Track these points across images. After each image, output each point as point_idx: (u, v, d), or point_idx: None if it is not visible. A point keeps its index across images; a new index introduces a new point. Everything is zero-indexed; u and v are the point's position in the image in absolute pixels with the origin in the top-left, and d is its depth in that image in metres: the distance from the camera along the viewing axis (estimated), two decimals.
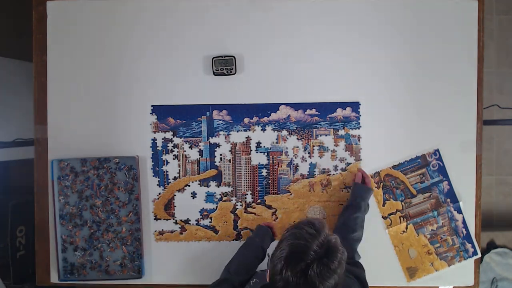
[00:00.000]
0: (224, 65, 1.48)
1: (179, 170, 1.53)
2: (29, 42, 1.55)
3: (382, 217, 1.51)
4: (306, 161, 1.52)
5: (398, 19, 1.49)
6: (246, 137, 1.52)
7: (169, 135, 1.53)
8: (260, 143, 1.52)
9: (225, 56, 1.49)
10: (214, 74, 1.50)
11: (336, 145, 1.51)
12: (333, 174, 1.52)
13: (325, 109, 1.51)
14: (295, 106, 1.51)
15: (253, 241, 1.40)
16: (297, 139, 1.52)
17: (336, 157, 1.51)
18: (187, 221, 1.54)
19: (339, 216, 1.43)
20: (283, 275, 0.93)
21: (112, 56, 1.53)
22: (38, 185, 1.55)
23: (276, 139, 1.52)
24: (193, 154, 1.53)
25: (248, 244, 1.40)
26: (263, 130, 1.52)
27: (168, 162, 1.53)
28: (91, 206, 1.52)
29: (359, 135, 1.51)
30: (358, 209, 1.39)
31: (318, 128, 1.51)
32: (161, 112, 1.53)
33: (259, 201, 1.53)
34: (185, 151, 1.53)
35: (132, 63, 1.52)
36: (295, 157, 1.52)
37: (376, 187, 1.51)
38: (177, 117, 1.53)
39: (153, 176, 1.53)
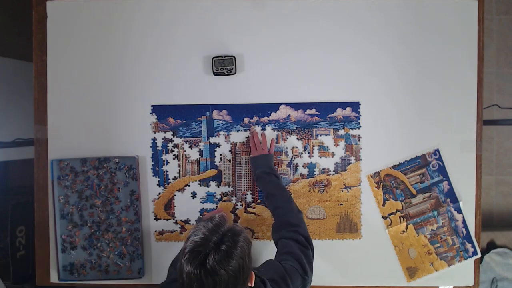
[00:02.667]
0: (224, 65, 1.48)
1: (179, 170, 1.53)
2: (29, 42, 1.55)
3: (382, 217, 1.51)
4: (306, 161, 1.52)
5: (398, 19, 1.49)
6: (246, 137, 1.52)
7: (169, 135, 1.53)
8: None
9: (225, 56, 1.49)
10: (214, 74, 1.50)
11: (336, 145, 1.51)
12: (333, 174, 1.52)
13: (325, 109, 1.51)
14: (295, 106, 1.51)
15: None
16: (297, 139, 1.52)
17: (336, 157, 1.51)
18: (187, 221, 1.54)
19: (262, 189, 1.43)
20: (185, 271, 0.94)
21: (112, 56, 1.53)
22: (38, 185, 1.55)
23: (276, 139, 1.52)
24: (193, 154, 1.53)
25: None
26: (263, 130, 1.52)
27: (168, 162, 1.53)
28: (91, 206, 1.52)
29: (359, 135, 1.51)
30: (265, 175, 1.38)
31: (318, 128, 1.51)
32: (161, 112, 1.53)
33: (259, 201, 1.53)
34: (185, 151, 1.53)
35: (132, 63, 1.52)
36: (295, 157, 1.52)
37: (376, 187, 1.51)
38: (177, 117, 1.53)
39: (153, 176, 1.53)
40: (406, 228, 1.51)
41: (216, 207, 1.53)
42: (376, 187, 1.51)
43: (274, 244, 1.30)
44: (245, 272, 0.98)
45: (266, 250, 1.51)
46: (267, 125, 1.52)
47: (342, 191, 1.51)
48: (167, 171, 1.53)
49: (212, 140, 1.53)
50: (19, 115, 2.09)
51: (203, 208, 1.53)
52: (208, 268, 0.93)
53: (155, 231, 1.54)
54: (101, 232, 1.52)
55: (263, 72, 1.51)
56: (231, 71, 1.49)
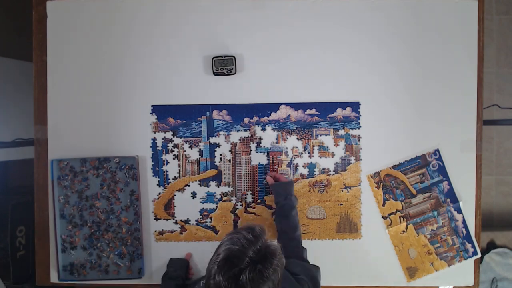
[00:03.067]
0: (224, 65, 1.48)
1: (179, 170, 1.53)
2: (29, 42, 1.55)
3: (382, 217, 1.51)
4: (306, 161, 1.52)
5: (398, 19, 1.49)
6: (246, 137, 1.52)
7: (169, 135, 1.53)
8: (260, 143, 1.52)
9: (225, 56, 1.49)
10: (214, 74, 1.50)
11: (336, 145, 1.51)
12: (333, 174, 1.52)
13: (325, 109, 1.51)
14: (295, 106, 1.51)
15: (167, 273, 1.44)
16: (297, 139, 1.52)
17: (336, 157, 1.51)
18: (187, 221, 1.54)
19: (276, 219, 1.40)
20: (216, 279, 0.93)
21: (112, 56, 1.53)
22: (38, 185, 1.55)
23: (276, 139, 1.52)
24: (193, 154, 1.53)
25: (166, 276, 1.44)
26: (263, 130, 1.52)
27: (168, 162, 1.53)
28: (91, 206, 1.52)
29: (359, 135, 1.51)
30: (292, 206, 1.37)
31: (318, 128, 1.51)
32: (161, 112, 1.53)
33: (259, 201, 1.53)
34: (185, 151, 1.53)
35: (132, 63, 1.52)
36: (295, 157, 1.52)
37: (376, 187, 1.51)
38: (177, 117, 1.53)
39: (153, 176, 1.53)
40: (406, 228, 1.51)
41: (216, 207, 1.53)
42: (376, 187, 1.51)
43: None
44: None
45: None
46: (267, 125, 1.52)
47: (342, 191, 1.51)
48: (167, 171, 1.53)
49: (212, 140, 1.53)
50: (19, 115, 2.08)
51: (203, 208, 1.53)
52: (240, 284, 0.91)
53: (155, 231, 1.54)
54: (101, 232, 1.52)
55: (263, 72, 1.51)
56: (231, 71, 1.49)
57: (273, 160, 1.52)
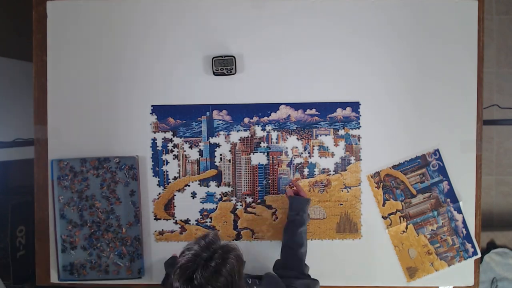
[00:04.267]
0: (224, 65, 1.48)
1: (179, 170, 1.53)
2: (29, 42, 1.55)
3: (382, 217, 1.51)
4: (306, 161, 1.52)
5: (398, 19, 1.49)
6: (246, 137, 1.52)
7: (169, 135, 1.53)
8: (260, 143, 1.52)
9: (225, 56, 1.49)
10: (214, 74, 1.50)
11: (336, 145, 1.51)
12: (333, 174, 1.52)
13: (325, 109, 1.51)
14: (295, 106, 1.51)
15: (167, 274, 1.44)
16: (297, 139, 1.52)
17: (336, 157, 1.51)
18: (187, 221, 1.54)
19: (284, 232, 1.40)
20: (174, 287, 0.97)
21: (112, 56, 1.53)
22: (38, 185, 1.55)
23: (276, 139, 1.52)
24: (193, 154, 1.53)
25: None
26: (263, 130, 1.52)
27: (168, 162, 1.53)
28: (91, 206, 1.52)
29: (359, 135, 1.51)
30: (302, 223, 1.38)
31: (318, 128, 1.51)
32: (161, 112, 1.53)
33: (259, 201, 1.53)
34: (185, 151, 1.53)
35: (132, 63, 1.52)
36: (295, 157, 1.52)
37: (376, 187, 1.51)
38: (177, 117, 1.53)
39: (153, 176, 1.53)
40: (406, 228, 1.51)
41: (216, 207, 1.53)
42: (376, 187, 1.51)
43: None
44: (236, 286, 0.99)
45: (266, 251, 1.51)
46: (267, 125, 1.52)
47: (342, 191, 1.51)
48: (167, 171, 1.53)
49: (212, 140, 1.53)
50: (19, 115, 2.08)
51: (203, 208, 1.53)
52: (196, 284, 0.94)
53: (155, 231, 1.54)
54: (101, 232, 1.52)
55: (263, 72, 1.51)
56: (231, 71, 1.49)
57: (273, 160, 1.52)
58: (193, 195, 1.53)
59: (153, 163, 1.53)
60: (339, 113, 1.51)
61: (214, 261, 0.98)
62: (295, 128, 1.52)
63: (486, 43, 1.53)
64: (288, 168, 1.52)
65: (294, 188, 1.46)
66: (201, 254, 0.99)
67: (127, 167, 1.51)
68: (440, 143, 1.50)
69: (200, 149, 1.53)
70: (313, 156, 1.52)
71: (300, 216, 1.37)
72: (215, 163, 1.53)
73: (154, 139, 1.53)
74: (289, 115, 1.51)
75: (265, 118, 1.52)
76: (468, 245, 1.51)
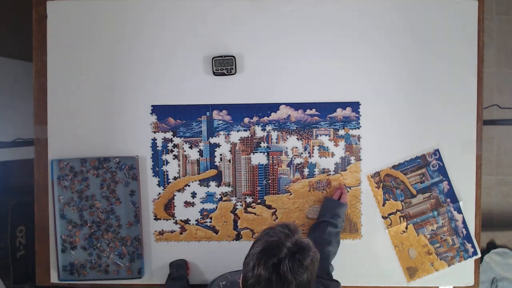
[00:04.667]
0: (224, 65, 1.48)
1: (179, 170, 1.53)
2: (29, 42, 1.55)
3: (382, 217, 1.51)
4: (306, 161, 1.52)
5: (398, 19, 1.49)
6: (246, 137, 1.52)
7: (169, 135, 1.53)
8: (260, 143, 1.52)
9: (225, 56, 1.49)
10: (214, 74, 1.50)
11: (336, 145, 1.51)
12: (333, 174, 1.52)
13: (325, 109, 1.51)
14: (295, 106, 1.51)
15: (170, 274, 1.47)
16: (297, 139, 1.52)
17: (336, 157, 1.51)
18: (187, 221, 1.54)
19: (312, 230, 1.41)
20: (255, 271, 0.93)
21: (112, 56, 1.53)
22: (38, 185, 1.55)
23: (276, 139, 1.52)
24: (193, 154, 1.53)
25: (170, 277, 1.47)
26: (263, 130, 1.52)
27: (168, 162, 1.53)
28: (91, 206, 1.52)
29: (359, 135, 1.51)
30: (334, 225, 1.38)
31: (318, 128, 1.51)
32: (161, 112, 1.53)
33: (259, 201, 1.53)
34: (185, 151, 1.53)
35: (132, 63, 1.52)
36: (295, 157, 1.52)
37: (376, 187, 1.51)
38: (177, 117, 1.53)
39: (153, 176, 1.53)
40: (406, 228, 1.51)
41: (216, 207, 1.53)
42: (376, 187, 1.51)
43: None
44: (310, 286, 0.97)
45: None
46: (267, 125, 1.52)
47: None
48: (167, 171, 1.53)
49: (212, 140, 1.53)
50: (19, 115, 2.08)
51: (203, 208, 1.53)
52: (281, 274, 0.92)
53: (155, 231, 1.54)
54: (101, 232, 1.52)
55: (263, 72, 1.51)
56: (231, 71, 1.49)
57: (273, 160, 1.52)
58: (193, 195, 1.53)
59: (153, 163, 1.53)
60: (339, 113, 1.51)
61: (301, 255, 0.95)
62: (295, 128, 1.52)
63: (486, 43, 1.53)
64: (288, 168, 1.52)
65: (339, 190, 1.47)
66: (286, 242, 0.95)
67: (127, 167, 1.51)
68: (440, 143, 1.50)
69: (200, 149, 1.53)
70: (313, 156, 1.52)
71: (335, 220, 1.39)
72: (215, 163, 1.53)
73: (154, 139, 1.53)
74: (289, 115, 1.51)
75: (265, 118, 1.52)
76: (468, 245, 1.51)
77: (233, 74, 1.49)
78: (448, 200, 1.50)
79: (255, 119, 1.52)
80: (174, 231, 1.54)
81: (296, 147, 1.52)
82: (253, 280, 0.93)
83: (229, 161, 1.53)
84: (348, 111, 1.51)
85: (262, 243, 0.96)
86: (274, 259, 0.93)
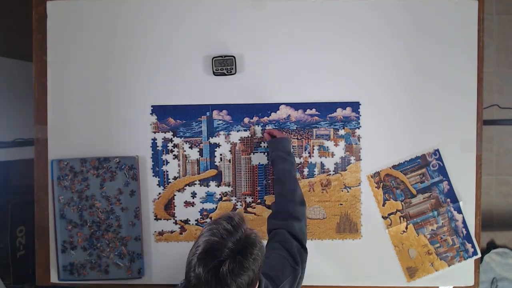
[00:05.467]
0: (224, 65, 1.48)
1: (179, 170, 1.53)
2: (29, 42, 1.55)
3: (382, 217, 1.51)
4: (306, 161, 1.52)
5: (398, 19, 1.49)
6: (246, 137, 1.52)
7: (169, 135, 1.53)
8: (260, 143, 1.52)
9: (225, 56, 1.49)
10: (214, 74, 1.50)
11: (336, 145, 1.51)
12: (333, 174, 1.52)
13: (325, 109, 1.51)
14: (295, 106, 1.51)
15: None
16: (297, 139, 1.52)
17: (336, 157, 1.51)
18: (187, 221, 1.54)
19: (274, 167, 1.40)
20: (196, 271, 0.92)
21: (112, 56, 1.52)
22: (38, 185, 1.55)
23: None
24: (193, 154, 1.53)
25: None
26: (263, 130, 1.52)
27: (168, 162, 1.53)
28: (91, 206, 1.52)
29: (359, 135, 1.51)
30: (280, 160, 1.36)
31: (318, 128, 1.51)
32: (161, 112, 1.53)
33: (259, 201, 1.53)
34: (185, 151, 1.53)
35: (132, 63, 1.52)
36: (295, 157, 1.52)
37: (376, 187, 1.51)
38: (177, 117, 1.53)
39: (153, 176, 1.53)
40: (406, 228, 1.51)
41: (216, 207, 1.53)
42: (376, 187, 1.51)
43: (267, 232, 1.30)
44: (252, 285, 0.97)
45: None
46: (267, 125, 1.52)
47: (342, 191, 1.51)
48: (167, 171, 1.53)
49: (212, 140, 1.53)
50: (19, 115, 2.08)
51: (203, 208, 1.53)
52: (220, 277, 0.91)
53: (155, 231, 1.54)
54: (101, 232, 1.52)
55: (263, 72, 1.51)
56: (231, 71, 1.49)
57: None
58: (193, 195, 1.53)
59: (153, 163, 1.53)
60: (339, 113, 1.51)
61: (243, 256, 0.93)
62: (295, 128, 1.52)
63: (486, 43, 1.53)
64: None
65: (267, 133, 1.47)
66: (228, 241, 0.93)
67: (127, 167, 1.51)
68: (440, 143, 1.50)
69: (200, 149, 1.53)
70: (313, 156, 1.52)
71: (275, 155, 1.38)
72: (215, 163, 1.53)
73: (154, 139, 1.53)
74: (289, 115, 1.51)
75: (265, 118, 1.52)
76: (468, 245, 1.51)
77: (233, 74, 1.49)
78: (448, 200, 1.50)
79: (255, 119, 1.52)
80: (174, 231, 1.54)
81: (296, 147, 1.52)
82: (194, 280, 0.93)
83: (229, 161, 1.53)
84: (348, 111, 1.51)
85: (204, 242, 0.95)
86: (214, 261, 0.92)
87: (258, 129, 1.52)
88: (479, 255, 1.52)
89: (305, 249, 1.26)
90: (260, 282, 1.05)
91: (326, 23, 1.50)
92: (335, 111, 1.51)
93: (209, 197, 1.53)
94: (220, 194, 1.53)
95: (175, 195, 1.54)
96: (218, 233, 0.95)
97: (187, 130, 1.53)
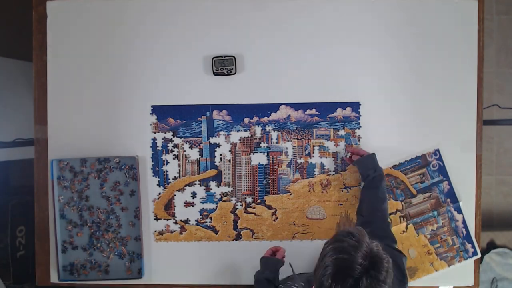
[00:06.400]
0: (224, 65, 1.48)
1: (179, 170, 1.53)
2: (29, 42, 1.55)
3: None
4: (306, 161, 1.52)
5: (398, 19, 1.49)
6: (246, 137, 1.52)
7: (169, 135, 1.53)
8: (260, 143, 1.52)
9: (225, 56, 1.49)
10: (214, 74, 1.50)
11: (336, 145, 1.51)
12: (333, 174, 1.52)
13: (325, 109, 1.51)
14: (295, 106, 1.51)
15: (262, 276, 1.34)
16: (297, 139, 1.52)
17: (336, 157, 1.51)
18: (187, 221, 1.54)
19: (365, 190, 1.39)
20: None
21: (112, 56, 1.53)
22: (38, 185, 1.55)
23: (276, 139, 1.52)
24: (193, 154, 1.53)
25: (259, 280, 1.34)
26: (263, 130, 1.52)
27: (168, 162, 1.53)
28: (91, 206, 1.51)
29: (359, 135, 1.51)
30: (383, 176, 1.38)
31: (318, 128, 1.51)
32: (161, 112, 1.53)
33: (259, 201, 1.53)
34: (185, 151, 1.53)
35: (132, 63, 1.52)
36: (295, 157, 1.52)
37: None
38: (177, 117, 1.53)
39: (153, 176, 1.53)
40: (406, 228, 1.51)
41: (216, 207, 1.53)
42: None
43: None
44: None
45: (266, 251, 1.50)
46: (267, 125, 1.52)
47: (342, 191, 1.51)
48: (167, 171, 1.53)
49: (212, 140, 1.53)
50: (19, 115, 2.08)
51: (203, 208, 1.53)
52: None
53: (155, 231, 1.54)
54: (101, 232, 1.52)
55: (263, 72, 1.51)
56: (231, 71, 1.49)
57: (273, 160, 1.52)
58: (193, 195, 1.53)
59: (153, 163, 1.53)
60: (339, 113, 1.51)
61: (376, 270, 0.91)
62: (295, 128, 1.52)
63: (486, 43, 1.53)
64: (288, 168, 1.52)
65: (350, 155, 1.46)
66: (357, 258, 0.91)
67: (127, 167, 1.51)
68: (440, 143, 1.50)
69: (200, 149, 1.53)
70: (313, 156, 1.52)
71: (379, 170, 1.38)
72: (215, 163, 1.53)
73: (154, 139, 1.53)
74: (289, 115, 1.51)
75: (265, 118, 1.52)
76: (468, 245, 1.51)
77: (233, 74, 1.49)
78: (448, 200, 1.50)
79: (255, 119, 1.52)
80: (174, 231, 1.54)
81: (296, 147, 1.52)
82: None
83: (229, 161, 1.53)
84: (348, 111, 1.51)
85: (332, 261, 0.93)
86: (349, 280, 0.90)
87: (258, 129, 1.52)
88: (479, 255, 1.52)
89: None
90: None
91: (326, 23, 1.50)
92: (335, 111, 1.51)
93: (209, 197, 1.53)
94: (220, 194, 1.53)
95: (175, 195, 1.54)
96: (344, 250, 0.94)
97: (187, 130, 1.53)
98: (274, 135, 1.52)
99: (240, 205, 1.53)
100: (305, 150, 1.52)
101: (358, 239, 0.95)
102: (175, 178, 1.53)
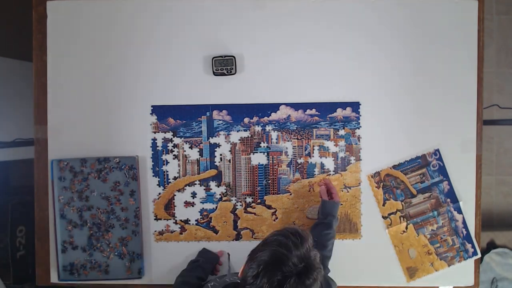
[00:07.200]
0: (224, 65, 1.48)
1: (179, 170, 1.53)
2: (29, 42, 1.55)
3: (382, 217, 1.51)
4: (306, 161, 1.52)
5: (398, 19, 1.49)
6: (246, 137, 1.52)
7: (169, 135, 1.53)
8: (260, 143, 1.52)
9: (225, 56, 1.49)
10: (214, 74, 1.50)
11: (336, 145, 1.51)
12: (333, 174, 1.52)
13: (325, 109, 1.51)
14: (295, 106, 1.51)
15: (196, 263, 1.42)
16: (297, 139, 1.52)
17: (336, 157, 1.52)
18: (187, 221, 1.54)
19: (315, 228, 1.41)
20: (258, 281, 0.92)
21: (112, 56, 1.53)
22: (38, 185, 1.55)
23: (276, 139, 1.52)
24: (193, 154, 1.53)
25: (192, 266, 1.42)
26: (263, 130, 1.52)
27: (168, 162, 1.53)
28: (91, 206, 1.51)
29: (359, 135, 1.51)
30: (329, 226, 1.38)
31: (318, 128, 1.51)
32: (161, 112, 1.53)
33: (258, 201, 1.53)
34: (185, 151, 1.53)
35: (132, 63, 1.52)
36: (295, 157, 1.52)
37: (376, 187, 1.51)
38: (177, 117, 1.53)
39: (153, 176, 1.53)
40: (406, 228, 1.51)
41: (216, 207, 1.53)
42: (376, 187, 1.51)
43: None
44: None
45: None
46: (267, 125, 1.52)
47: (342, 191, 1.51)
48: (167, 171, 1.53)
49: (212, 140, 1.53)
50: (19, 115, 2.08)
51: (203, 208, 1.53)
52: None
53: (155, 231, 1.54)
54: (101, 233, 1.52)
55: (263, 72, 1.51)
56: (231, 71, 1.49)
57: (273, 160, 1.52)
58: (193, 195, 1.53)
59: (153, 163, 1.53)
60: (339, 113, 1.51)
61: (306, 276, 0.93)
62: (295, 128, 1.52)
63: (486, 43, 1.53)
64: (288, 168, 1.52)
65: (324, 186, 1.46)
66: (293, 257, 0.93)
67: (127, 167, 1.51)
68: (440, 143, 1.50)
69: (200, 149, 1.53)
70: (313, 156, 1.52)
71: (329, 221, 1.38)
72: (215, 163, 1.53)
73: (154, 139, 1.53)
74: (289, 115, 1.51)
75: (265, 118, 1.52)
76: (468, 245, 1.51)
77: (233, 74, 1.49)
78: (448, 200, 1.50)
79: (255, 119, 1.52)
80: (174, 231, 1.54)
81: (296, 147, 1.52)
82: (254, 284, 0.93)
83: (229, 161, 1.53)
84: (348, 111, 1.51)
85: (270, 250, 0.95)
86: (278, 274, 0.92)
87: (258, 129, 1.52)
88: (479, 255, 1.52)
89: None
90: None
91: (326, 23, 1.50)
92: (335, 111, 1.51)
93: (209, 197, 1.53)
94: (220, 194, 1.53)
95: (175, 195, 1.54)
96: (285, 245, 0.95)
97: (187, 130, 1.53)
98: (274, 135, 1.52)
99: (240, 205, 1.53)
100: (305, 150, 1.52)
101: (302, 241, 0.97)
102: (175, 178, 1.53)
